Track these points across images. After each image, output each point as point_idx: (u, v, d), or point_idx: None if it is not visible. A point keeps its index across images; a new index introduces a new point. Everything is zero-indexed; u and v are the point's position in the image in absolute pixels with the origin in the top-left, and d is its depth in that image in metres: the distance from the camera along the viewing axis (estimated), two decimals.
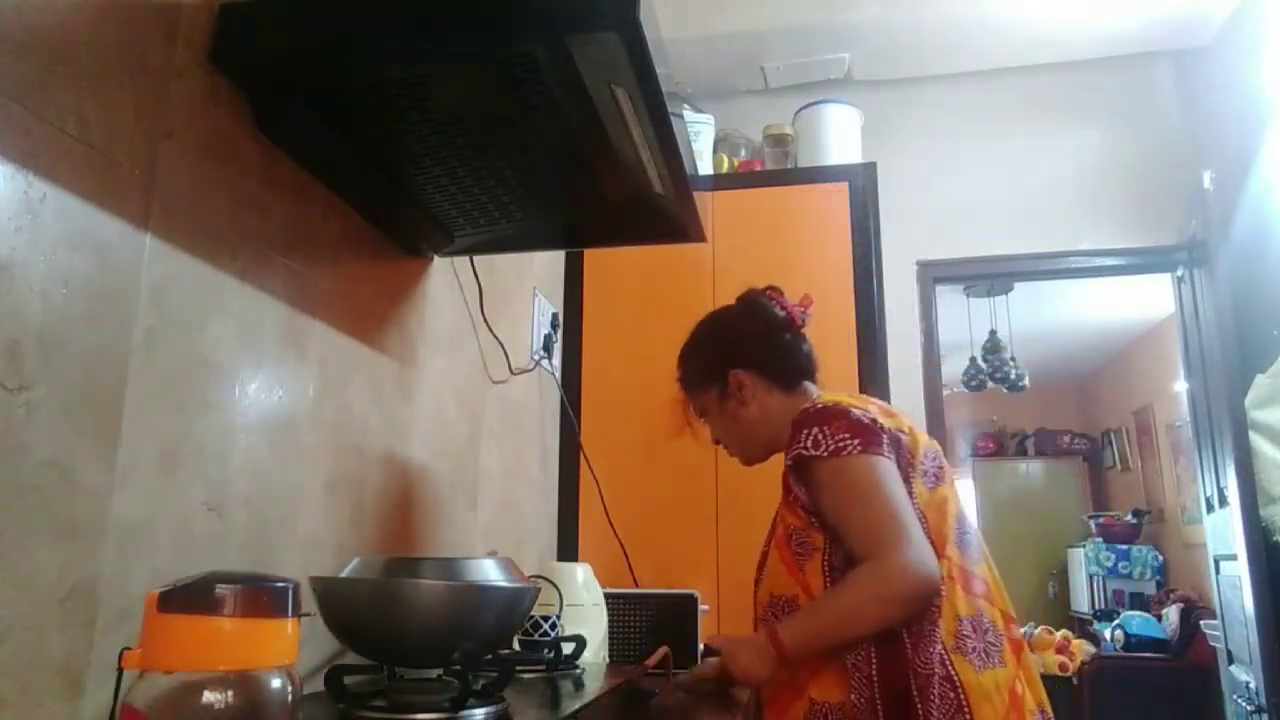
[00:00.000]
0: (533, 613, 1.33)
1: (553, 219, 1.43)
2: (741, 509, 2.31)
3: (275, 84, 1.04)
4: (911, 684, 1.10)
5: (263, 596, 0.63)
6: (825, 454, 1.19)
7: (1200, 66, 2.92)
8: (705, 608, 1.89)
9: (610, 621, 1.76)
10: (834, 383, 1.47)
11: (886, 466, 1.20)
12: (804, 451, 1.20)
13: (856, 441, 1.19)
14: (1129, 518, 5.97)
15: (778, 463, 1.32)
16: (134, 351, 0.87)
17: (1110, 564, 5.82)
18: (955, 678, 1.10)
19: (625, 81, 0.98)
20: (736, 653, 1.18)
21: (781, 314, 1.41)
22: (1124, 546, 5.84)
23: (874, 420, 1.23)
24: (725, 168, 2.78)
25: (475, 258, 1.74)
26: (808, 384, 1.41)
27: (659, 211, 1.34)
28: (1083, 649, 4.76)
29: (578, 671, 1.40)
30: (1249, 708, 2.48)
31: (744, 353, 1.40)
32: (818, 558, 1.20)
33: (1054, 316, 5.18)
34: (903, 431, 1.27)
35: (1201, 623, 4.27)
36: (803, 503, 1.22)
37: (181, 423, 0.94)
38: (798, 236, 2.42)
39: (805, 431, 1.22)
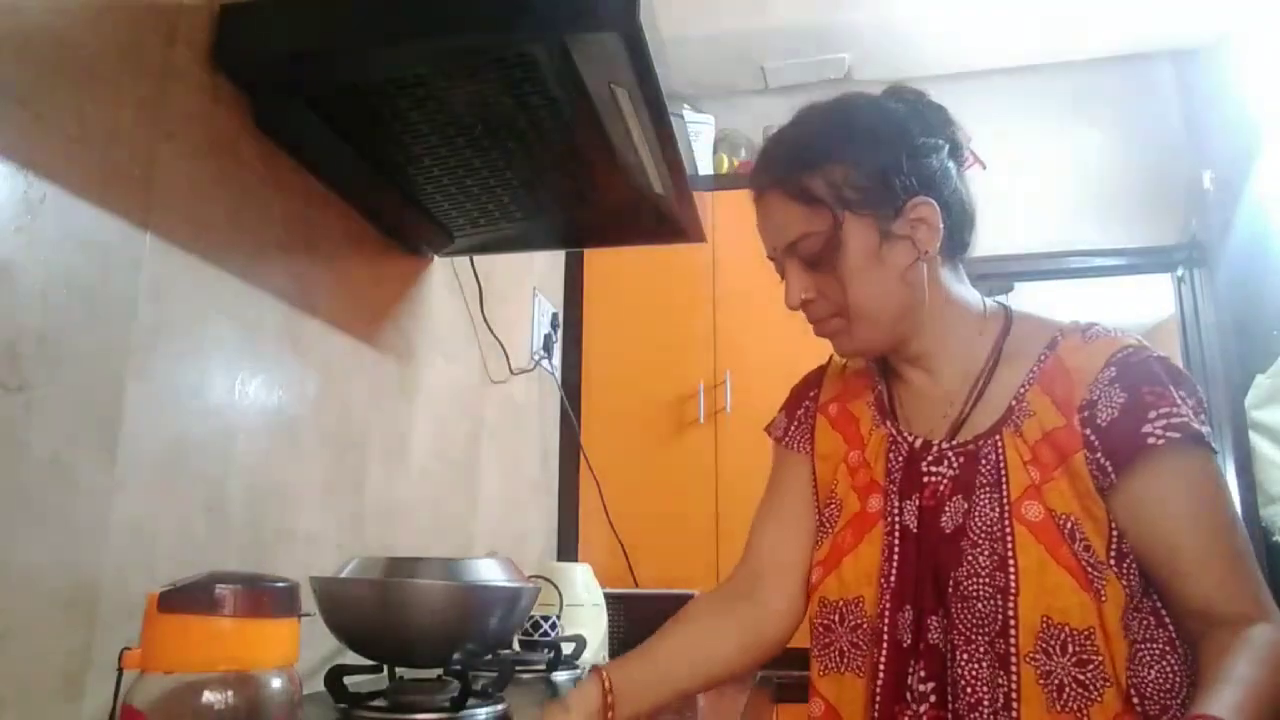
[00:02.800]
0: (533, 613, 1.33)
1: (553, 219, 1.42)
2: (742, 509, 2.31)
3: (275, 84, 1.04)
4: None
5: (263, 596, 0.63)
6: (1208, 436, 0.80)
7: (1200, 67, 2.92)
8: None
9: (610, 621, 1.76)
10: None
11: None
12: (1189, 421, 0.79)
13: (1210, 433, 0.81)
14: None
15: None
16: (134, 351, 0.87)
17: None
18: None
19: (625, 81, 0.98)
20: None
21: (964, 143, 0.95)
22: None
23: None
24: (725, 168, 2.79)
25: (475, 258, 1.74)
26: (961, 265, 0.95)
27: (659, 211, 1.34)
28: None
29: (578, 671, 1.40)
30: None
31: (931, 173, 0.88)
32: (1115, 583, 0.78)
33: (1054, 316, 5.17)
34: None
35: None
36: (1107, 491, 0.80)
37: (181, 423, 0.94)
38: None
39: (1178, 392, 0.80)
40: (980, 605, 0.79)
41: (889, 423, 0.93)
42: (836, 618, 0.89)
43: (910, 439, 0.90)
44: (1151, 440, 0.78)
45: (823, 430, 1.00)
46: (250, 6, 1.00)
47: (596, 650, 1.67)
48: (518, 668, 1.31)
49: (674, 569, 2.25)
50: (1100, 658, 0.77)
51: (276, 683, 0.63)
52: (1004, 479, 0.82)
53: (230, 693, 0.60)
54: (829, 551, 0.92)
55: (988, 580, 0.79)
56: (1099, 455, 0.80)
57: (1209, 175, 2.63)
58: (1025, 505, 0.81)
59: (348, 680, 0.96)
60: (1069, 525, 0.79)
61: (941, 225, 0.87)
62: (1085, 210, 2.95)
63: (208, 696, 0.59)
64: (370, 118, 1.08)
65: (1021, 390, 0.86)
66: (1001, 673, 0.78)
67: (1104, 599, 0.77)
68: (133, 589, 0.84)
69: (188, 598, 0.60)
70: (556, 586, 1.57)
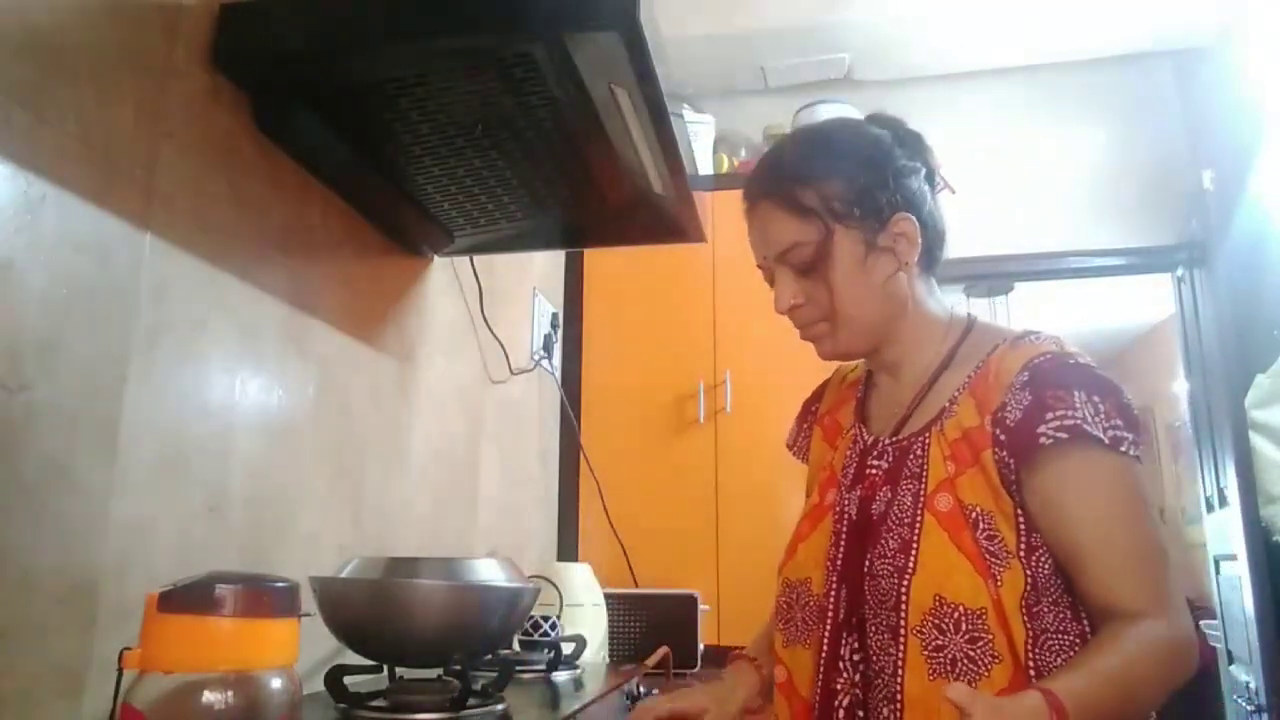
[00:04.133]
0: (533, 613, 1.33)
1: (553, 219, 1.43)
2: (742, 508, 2.31)
3: (275, 84, 1.04)
4: None
5: (263, 596, 0.63)
6: (1104, 437, 0.83)
7: (1200, 67, 2.92)
8: (705, 608, 1.89)
9: (610, 621, 1.76)
10: (819, 382, 1.23)
11: (1148, 484, 0.90)
12: (1081, 424, 0.83)
13: (1131, 437, 0.85)
14: None
15: (775, 437, 1.08)
16: (134, 352, 0.87)
17: None
18: None
19: (625, 81, 0.98)
20: None
21: (937, 169, 1.01)
22: None
23: (1136, 408, 0.89)
24: (725, 168, 2.79)
25: (475, 258, 1.74)
26: (933, 278, 1.01)
27: (659, 211, 1.34)
28: None
29: (578, 671, 1.40)
30: (1249, 708, 2.48)
31: (912, 193, 0.96)
32: (1017, 570, 0.84)
33: (1054, 317, 5.18)
34: None
35: (1201, 623, 4.27)
36: (1013, 487, 0.86)
37: (181, 423, 0.94)
38: None
39: (1079, 394, 0.84)
40: (883, 583, 0.87)
41: (859, 424, 1.02)
42: (794, 596, 0.97)
43: (867, 438, 0.99)
44: (1044, 440, 0.84)
45: (816, 440, 1.10)
46: (250, 6, 1.00)
47: (596, 650, 1.67)
48: (518, 668, 1.31)
49: (674, 569, 2.25)
50: (990, 636, 0.82)
51: (276, 683, 0.63)
52: (924, 472, 0.90)
53: (230, 693, 0.60)
54: (792, 539, 1.01)
55: (890, 561, 0.87)
56: (1004, 453, 0.86)
57: (1209, 175, 2.63)
58: (939, 496, 0.88)
59: (348, 680, 0.96)
60: (974, 515, 0.86)
61: (920, 240, 0.95)
62: (1085, 210, 2.95)
63: (208, 696, 0.59)
64: (370, 118, 1.08)
65: (956, 394, 0.92)
66: (892, 643, 0.86)
67: (1000, 583, 0.83)
68: (133, 589, 0.84)
69: (188, 598, 0.60)
70: (556, 586, 1.57)
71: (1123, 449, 0.84)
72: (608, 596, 1.77)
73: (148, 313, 0.89)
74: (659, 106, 1.03)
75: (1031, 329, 0.94)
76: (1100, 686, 0.77)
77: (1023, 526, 0.86)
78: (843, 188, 0.93)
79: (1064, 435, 0.83)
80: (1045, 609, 0.85)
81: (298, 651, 0.66)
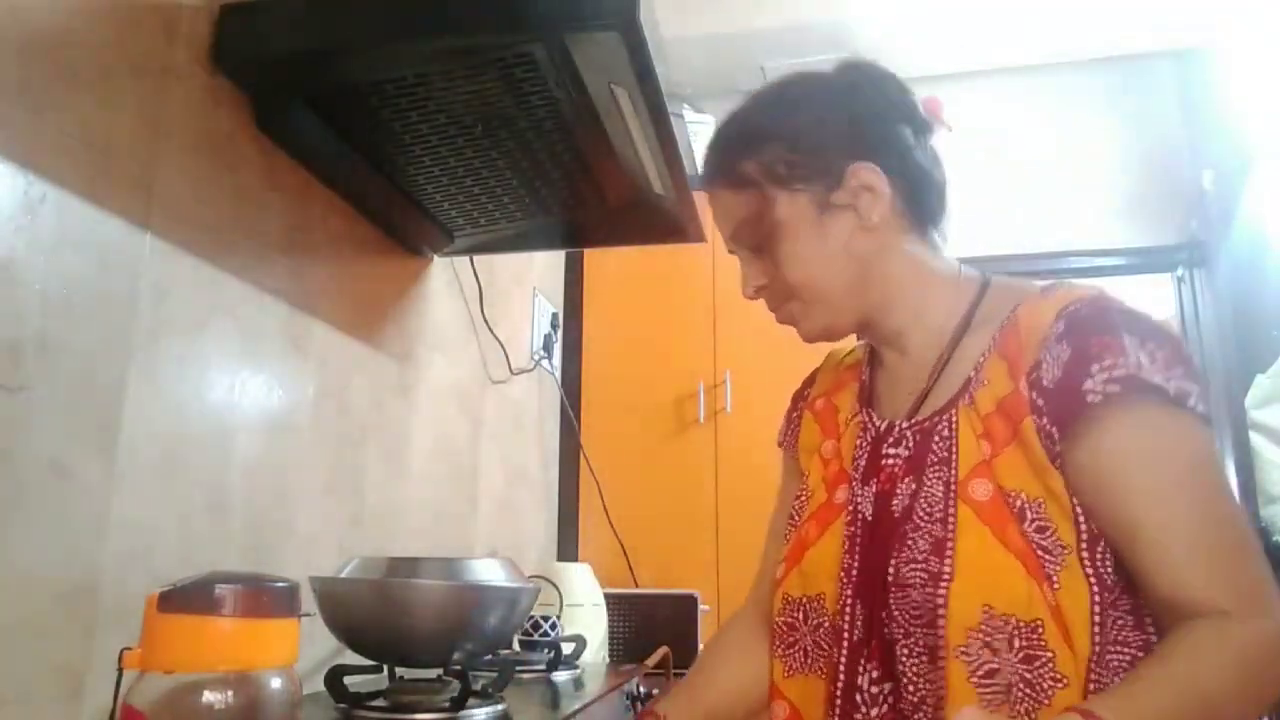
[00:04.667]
0: (533, 613, 1.33)
1: (553, 219, 1.42)
2: (742, 509, 2.31)
3: (275, 84, 1.04)
4: None
5: (263, 596, 0.63)
6: (1169, 387, 0.68)
7: (1200, 67, 2.92)
8: (706, 608, 1.89)
9: (610, 621, 1.76)
10: None
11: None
12: (1138, 372, 0.68)
13: (1198, 391, 0.69)
14: None
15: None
16: (134, 351, 0.87)
17: None
18: None
19: (625, 81, 0.98)
20: None
21: (920, 110, 0.87)
22: None
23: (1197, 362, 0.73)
24: None
25: (475, 258, 1.74)
26: (935, 236, 0.88)
27: (659, 211, 1.34)
28: None
29: (578, 671, 1.40)
30: None
31: (878, 139, 0.83)
32: (1076, 568, 0.69)
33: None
34: None
35: None
36: (1064, 465, 0.71)
37: (181, 422, 0.94)
38: None
39: (1129, 339, 0.69)
40: (915, 594, 0.72)
41: (864, 409, 0.88)
42: (800, 615, 0.83)
43: (878, 423, 0.84)
44: (1090, 398, 0.68)
45: (807, 424, 0.96)
46: (250, 6, 1.00)
47: (596, 650, 1.67)
48: (518, 668, 1.31)
49: (674, 569, 2.25)
50: (1049, 654, 0.67)
51: (276, 683, 0.63)
52: (954, 456, 0.75)
53: (230, 693, 0.60)
54: (793, 545, 0.86)
55: (922, 566, 0.72)
56: (1045, 420, 0.70)
57: (1209, 175, 2.63)
58: (974, 484, 0.73)
59: (348, 680, 0.96)
60: (1020, 503, 0.70)
61: (888, 191, 0.81)
62: (1085, 210, 2.95)
63: (208, 696, 0.59)
64: (370, 118, 1.08)
65: (981, 359, 0.78)
66: (931, 668, 0.71)
67: (1058, 586, 0.68)
68: (133, 589, 0.84)
69: (188, 598, 0.60)
70: (556, 586, 1.57)
71: (1190, 404, 0.68)
72: (608, 596, 1.76)
73: (148, 313, 0.89)
74: (659, 106, 1.03)
75: (1064, 280, 0.79)
76: (1161, 703, 0.62)
77: (1079, 513, 0.70)
78: (784, 149, 0.82)
79: (1115, 388, 0.67)
80: (1118, 613, 0.70)
81: (298, 651, 0.66)
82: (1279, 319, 2.44)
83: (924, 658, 0.71)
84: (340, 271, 1.27)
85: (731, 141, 0.87)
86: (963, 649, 0.69)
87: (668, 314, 2.48)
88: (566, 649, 1.41)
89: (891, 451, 0.81)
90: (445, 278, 1.66)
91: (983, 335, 0.79)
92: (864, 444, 0.85)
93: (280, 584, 0.65)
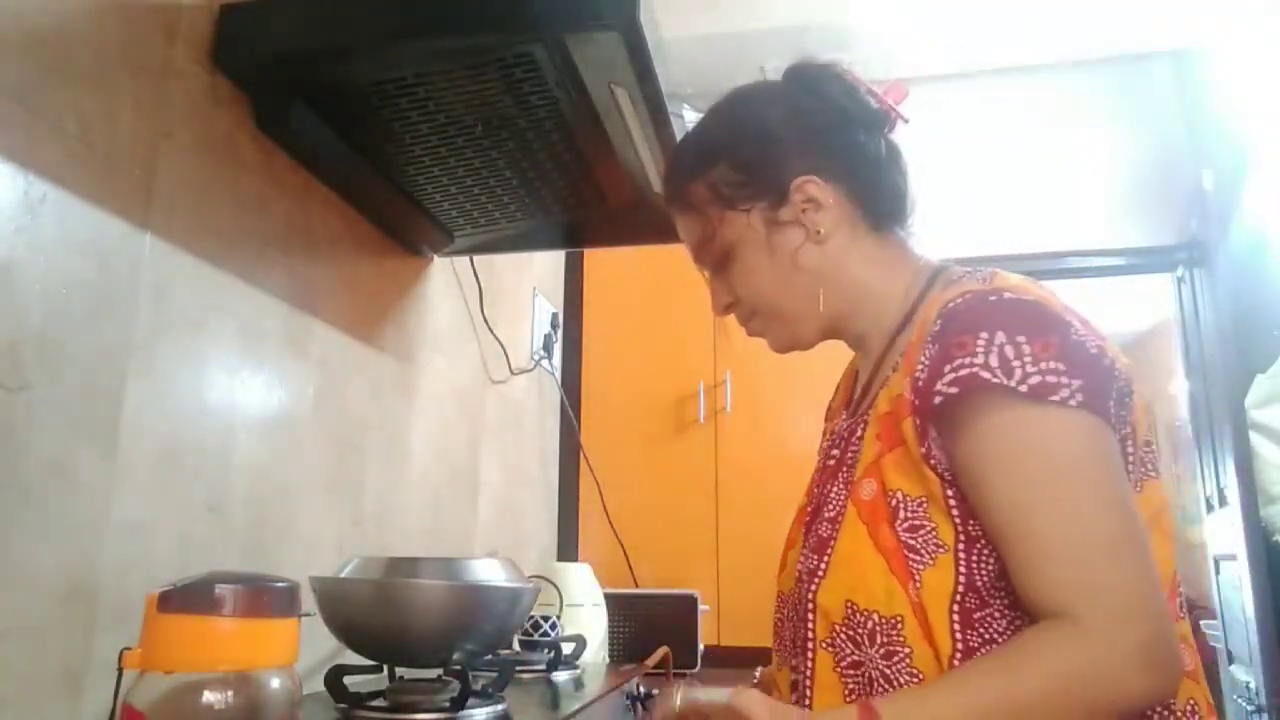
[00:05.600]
0: (533, 613, 1.33)
1: (553, 219, 1.43)
2: (742, 509, 2.31)
3: (275, 84, 1.04)
4: None
5: (263, 596, 0.63)
6: (1020, 387, 0.65)
7: (1200, 67, 2.92)
8: (705, 608, 1.89)
9: (610, 621, 1.76)
10: (822, 381, 1.12)
11: (1110, 443, 0.68)
12: (979, 371, 0.66)
13: (1076, 383, 0.66)
14: None
15: (802, 412, 0.90)
16: (134, 351, 0.87)
17: None
18: None
19: (625, 81, 0.98)
20: None
21: (873, 104, 0.84)
22: None
23: (1100, 349, 0.69)
24: None
25: (475, 258, 1.74)
26: (901, 233, 0.87)
27: (659, 211, 1.34)
28: None
29: (578, 671, 1.40)
30: (1249, 708, 2.48)
31: (822, 148, 0.82)
32: (948, 567, 0.69)
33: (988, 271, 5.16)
34: (1128, 374, 0.71)
35: (1201, 623, 4.27)
36: (939, 463, 0.70)
37: (181, 423, 0.94)
38: None
39: (984, 336, 0.67)
40: (799, 589, 0.76)
41: (843, 411, 0.90)
42: (786, 611, 0.85)
43: (841, 425, 0.86)
44: (936, 399, 0.68)
45: (825, 433, 0.98)
46: (250, 6, 1.00)
47: (596, 650, 1.67)
48: (518, 668, 1.31)
49: (674, 569, 2.25)
50: (907, 650, 0.68)
51: (276, 683, 0.63)
52: (858, 457, 0.77)
53: (230, 693, 0.60)
54: (784, 546, 0.90)
55: (803, 563, 0.77)
56: (919, 421, 0.70)
57: (1209, 175, 2.63)
58: (864, 483, 0.74)
59: (348, 680, 0.96)
60: (895, 502, 0.71)
61: (833, 201, 0.82)
62: (1085, 210, 2.95)
63: (208, 696, 0.59)
64: (370, 118, 1.08)
65: (898, 359, 0.77)
66: (803, 659, 0.75)
67: (919, 585, 0.68)
68: (133, 589, 0.84)
69: (188, 598, 0.60)
70: (556, 586, 1.57)
71: (1054, 398, 0.65)
72: (608, 596, 1.76)
73: (148, 313, 0.89)
74: (659, 106, 1.03)
75: (993, 267, 0.77)
76: (952, 707, 0.62)
77: (956, 513, 0.69)
78: (729, 168, 0.83)
79: (954, 390, 0.67)
80: (992, 615, 0.68)
81: (298, 651, 0.66)
82: (1279, 319, 2.44)
83: (802, 648, 0.75)
84: (340, 271, 1.27)
85: (683, 163, 0.89)
86: (827, 641, 0.73)
87: (668, 314, 2.48)
88: (566, 649, 1.41)
89: (833, 453, 0.84)
90: (445, 278, 1.66)
91: (910, 335, 0.79)
92: (826, 446, 0.89)
93: (280, 584, 0.65)
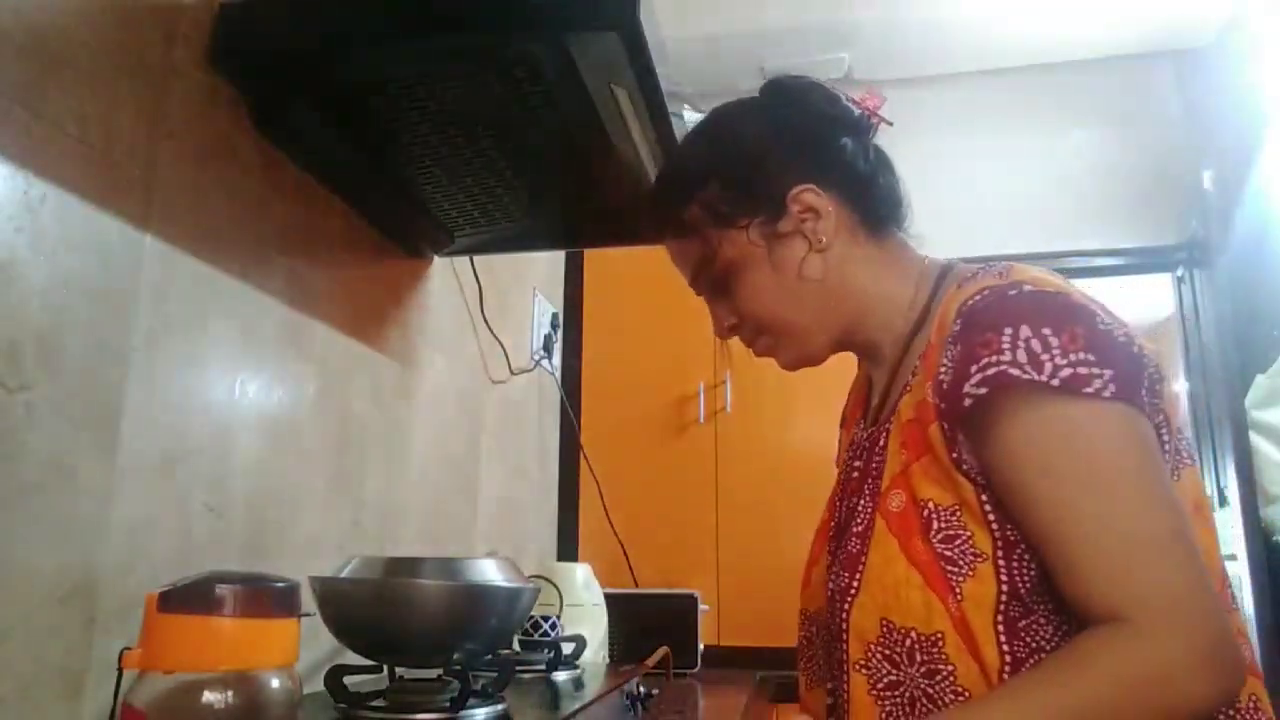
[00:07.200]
0: (533, 613, 1.33)
1: (553, 219, 1.43)
2: (742, 509, 2.31)
3: (275, 84, 1.04)
4: None
5: (263, 596, 0.63)
6: (1052, 381, 0.63)
7: (1200, 67, 2.92)
8: (705, 608, 1.89)
9: (610, 621, 1.76)
10: (822, 382, 1.12)
11: (1149, 434, 0.65)
12: (1008, 369, 0.64)
13: (1109, 374, 0.63)
14: None
15: (810, 413, 0.91)
16: (134, 351, 0.87)
17: None
18: None
19: (625, 81, 0.98)
20: None
21: (854, 111, 0.85)
22: None
23: (1128, 335, 0.66)
24: None
25: (475, 258, 1.74)
26: (900, 235, 0.86)
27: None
28: None
29: (578, 671, 1.40)
30: None
31: (813, 157, 0.82)
32: (988, 576, 0.66)
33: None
34: (1156, 359, 0.68)
35: None
36: (971, 468, 0.67)
37: (181, 423, 0.94)
38: None
39: (1009, 332, 0.65)
40: (831, 608, 0.74)
41: (861, 421, 0.88)
42: (813, 630, 0.85)
43: (860, 435, 0.85)
44: (966, 402, 0.65)
45: (841, 442, 0.97)
46: (250, 6, 1.00)
47: (596, 650, 1.67)
48: (518, 668, 1.31)
49: (674, 569, 2.25)
50: (950, 668, 0.65)
51: (276, 683, 0.63)
52: (883, 467, 0.74)
53: (230, 693, 0.60)
54: (806, 563, 0.88)
55: (834, 581, 0.74)
56: (946, 426, 0.68)
57: (1209, 175, 2.63)
58: (892, 495, 0.71)
59: (348, 680, 0.96)
60: (928, 512, 0.68)
61: (832, 208, 0.80)
62: (1085, 210, 2.95)
63: (208, 696, 0.59)
64: (370, 117, 1.08)
65: (917, 363, 0.75)
66: (840, 682, 0.72)
67: (960, 597, 0.65)
68: (133, 589, 0.83)
69: (188, 598, 0.60)
70: (556, 586, 1.57)
71: (1088, 390, 0.62)
72: (608, 596, 1.76)
73: (148, 313, 0.89)
74: (659, 106, 1.03)
75: (1009, 262, 0.75)
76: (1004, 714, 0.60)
77: (993, 519, 0.67)
78: (721, 187, 0.82)
79: (983, 390, 0.64)
80: (1037, 623, 0.65)
81: (298, 651, 0.66)
82: (1279, 319, 2.44)
83: (838, 670, 0.73)
84: (340, 272, 1.27)
85: (670, 190, 0.88)
86: (862, 663, 0.70)
87: (668, 314, 2.48)
88: (566, 649, 1.41)
89: (857, 465, 0.81)
90: (445, 278, 1.66)
91: (926, 337, 0.77)
92: (847, 458, 0.86)
93: (280, 584, 0.65)
